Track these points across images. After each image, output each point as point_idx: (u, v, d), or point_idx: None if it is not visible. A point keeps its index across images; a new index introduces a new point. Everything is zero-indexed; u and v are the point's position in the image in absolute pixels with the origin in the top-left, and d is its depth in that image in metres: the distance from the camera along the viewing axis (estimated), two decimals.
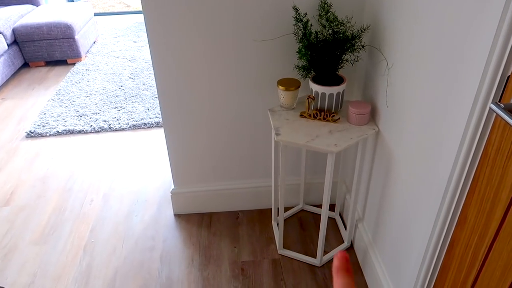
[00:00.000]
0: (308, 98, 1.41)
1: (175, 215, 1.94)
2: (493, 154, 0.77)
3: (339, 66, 1.38)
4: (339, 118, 1.42)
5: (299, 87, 1.44)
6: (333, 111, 1.44)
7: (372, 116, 1.42)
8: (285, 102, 1.48)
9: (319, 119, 1.43)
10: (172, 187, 1.87)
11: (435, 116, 0.97)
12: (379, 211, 1.43)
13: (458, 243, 0.91)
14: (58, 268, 1.68)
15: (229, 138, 1.73)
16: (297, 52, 1.35)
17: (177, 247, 1.76)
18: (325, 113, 1.42)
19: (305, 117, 1.45)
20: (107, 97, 2.95)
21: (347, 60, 1.35)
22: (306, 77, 1.41)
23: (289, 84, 1.44)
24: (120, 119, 2.66)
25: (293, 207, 1.94)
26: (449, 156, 0.91)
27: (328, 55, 1.33)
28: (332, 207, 1.93)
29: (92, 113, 2.74)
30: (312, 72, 1.41)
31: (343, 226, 1.81)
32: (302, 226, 1.85)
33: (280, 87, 1.44)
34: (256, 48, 1.48)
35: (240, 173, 1.84)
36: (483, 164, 0.80)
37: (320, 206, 1.94)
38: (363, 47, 1.35)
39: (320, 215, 1.90)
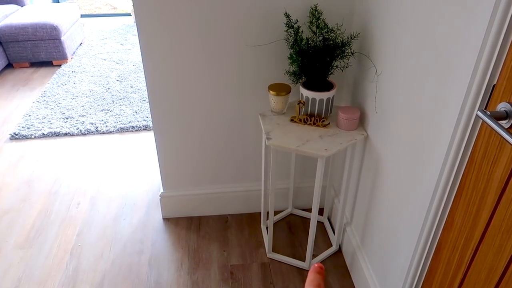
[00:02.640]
0: (298, 103, 1.43)
1: (163, 218, 1.93)
2: (479, 159, 0.80)
3: (329, 72, 1.40)
4: (329, 123, 1.44)
5: (289, 92, 1.46)
6: (323, 116, 1.46)
7: (361, 121, 1.45)
8: (275, 107, 1.50)
9: (309, 124, 1.45)
10: (161, 190, 1.87)
11: (423, 122, 1.00)
12: (367, 215, 1.46)
13: (445, 245, 0.94)
14: (44, 272, 1.66)
15: (220, 142, 1.74)
16: (288, 58, 1.37)
17: (166, 251, 1.76)
18: (315, 118, 1.44)
19: (295, 121, 1.47)
20: (94, 99, 2.92)
21: (337, 67, 1.38)
22: (297, 83, 1.43)
23: (280, 89, 1.46)
24: (108, 122, 2.64)
25: (282, 211, 1.96)
26: (437, 161, 0.94)
27: (319, 61, 1.35)
28: (320, 211, 1.95)
29: (79, 116, 2.71)
30: (303, 77, 1.44)
31: (331, 230, 1.84)
32: (291, 230, 1.87)
33: (271, 92, 1.45)
34: (248, 53, 1.50)
35: (230, 177, 1.85)
36: (469, 169, 0.83)
37: (309, 210, 1.96)
38: (352, 54, 1.38)
39: (309, 219, 1.92)
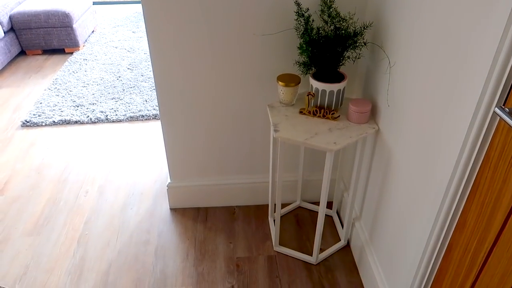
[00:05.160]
0: (308, 95, 1.39)
1: (171, 209, 1.92)
2: (495, 158, 0.75)
3: (340, 63, 1.36)
4: (339, 116, 1.40)
5: (299, 83, 1.42)
6: (333, 108, 1.42)
7: (373, 114, 1.41)
8: (284, 98, 1.46)
9: (319, 116, 1.41)
10: (169, 180, 1.85)
11: (437, 117, 0.95)
12: (377, 210, 1.42)
13: (457, 246, 0.90)
14: (51, 260, 1.67)
15: (228, 133, 1.71)
16: (298, 47, 1.33)
17: (172, 241, 1.75)
18: (325, 110, 1.40)
19: (304, 114, 1.43)
20: (105, 87, 2.92)
21: (348, 57, 1.33)
22: (306, 74, 1.39)
23: (289, 80, 1.42)
24: (118, 110, 2.63)
25: (290, 203, 1.93)
26: (450, 158, 0.89)
27: (329, 51, 1.31)
28: (329, 205, 1.92)
29: (89, 104, 2.71)
30: (313, 68, 1.39)
31: (340, 224, 1.80)
32: (299, 223, 1.84)
33: (280, 83, 1.41)
34: (256, 42, 1.46)
35: (237, 168, 1.83)
36: (484, 168, 0.79)
37: (317, 203, 1.93)
38: (365, 44, 1.33)
39: (317, 212, 1.89)
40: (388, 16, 1.23)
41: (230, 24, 1.41)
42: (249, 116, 1.67)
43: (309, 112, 1.42)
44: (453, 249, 0.92)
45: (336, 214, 1.86)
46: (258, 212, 1.90)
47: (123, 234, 1.79)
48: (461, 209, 0.88)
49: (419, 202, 1.07)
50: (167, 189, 1.86)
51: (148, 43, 1.45)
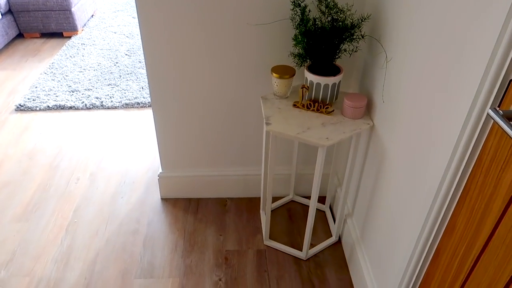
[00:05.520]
0: (302, 88, 1.35)
1: (162, 198, 1.90)
2: (487, 162, 0.72)
3: (337, 56, 1.31)
4: (333, 110, 1.36)
5: (293, 75, 1.38)
6: (327, 102, 1.38)
7: (368, 110, 1.37)
8: (278, 90, 1.42)
9: (313, 110, 1.37)
10: (160, 170, 1.83)
11: (431, 117, 0.91)
12: (369, 208, 1.39)
13: (445, 251, 0.87)
14: (39, 247, 1.65)
15: (221, 124, 1.68)
16: (292, 38, 1.28)
17: (162, 232, 1.73)
18: (319, 104, 1.36)
19: (298, 107, 1.39)
20: (101, 73, 2.88)
21: (345, 50, 1.29)
22: (301, 66, 1.35)
23: (283, 71, 1.38)
24: (113, 97, 2.59)
25: (283, 197, 1.90)
26: (442, 159, 0.86)
27: (326, 43, 1.26)
28: (322, 200, 1.89)
29: (85, 89, 2.67)
30: (308, 60, 1.35)
31: (332, 220, 1.78)
32: (291, 217, 1.82)
33: (274, 74, 1.38)
34: (250, 32, 1.41)
35: (230, 160, 1.80)
36: (476, 172, 0.75)
37: (310, 198, 1.90)
38: (362, 37, 1.29)
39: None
40: (387, 9, 1.19)
41: (223, 13, 1.36)
42: (243, 107, 1.63)
43: (303, 106, 1.38)
44: (441, 253, 0.89)
45: (329, 209, 1.83)
46: (250, 205, 1.88)
47: (112, 223, 1.76)
48: (450, 213, 0.85)
49: (409, 202, 1.04)
50: (158, 179, 1.83)
51: (140, 31, 1.41)
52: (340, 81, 1.35)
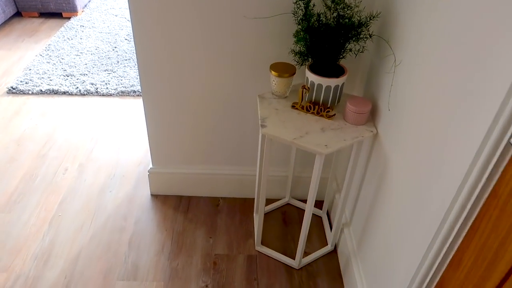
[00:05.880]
0: (302, 88, 1.24)
1: (152, 195, 1.81)
2: (504, 196, 0.62)
3: (341, 56, 1.21)
4: (334, 114, 1.26)
5: (293, 74, 1.28)
6: (329, 105, 1.28)
7: (373, 115, 1.26)
8: (277, 90, 1.32)
9: (312, 113, 1.27)
10: (150, 166, 1.74)
11: (441, 134, 0.81)
12: (368, 220, 1.30)
13: (448, 285, 0.78)
14: (19, 241, 1.57)
15: (216, 120, 1.58)
16: (294, 35, 1.18)
17: (149, 231, 1.65)
18: (319, 106, 1.26)
19: (297, 108, 1.29)
20: (99, 58, 2.77)
21: (350, 50, 1.18)
22: (302, 64, 1.24)
23: (283, 69, 1.28)
24: (109, 84, 2.50)
25: (278, 199, 1.81)
26: (452, 182, 0.76)
27: (330, 42, 1.16)
28: (319, 204, 1.80)
29: (80, 74, 2.57)
30: (310, 59, 1.25)
31: (329, 226, 1.69)
32: (285, 221, 1.73)
33: (273, 72, 1.27)
34: (249, 25, 1.31)
35: (224, 158, 1.70)
36: (490, 204, 0.66)
37: (307, 201, 1.81)
38: (370, 36, 1.18)
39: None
40: (399, 7, 1.08)
41: (218, 3, 1.25)
42: (239, 103, 1.53)
43: (302, 108, 1.28)
44: (444, 287, 0.80)
45: (326, 215, 1.74)
46: (244, 206, 1.79)
47: (98, 219, 1.68)
48: (457, 244, 0.75)
49: (412, 224, 0.94)
50: (148, 174, 1.75)
51: (131, 19, 1.30)
52: (343, 83, 1.24)
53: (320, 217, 1.75)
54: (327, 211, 1.76)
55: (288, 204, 1.82)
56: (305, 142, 1.16)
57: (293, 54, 1.22)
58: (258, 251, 1.59)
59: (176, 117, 1.57)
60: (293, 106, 1.29)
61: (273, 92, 1.34)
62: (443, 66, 0.82)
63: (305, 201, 1.81)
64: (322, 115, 1.26)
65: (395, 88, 1.07)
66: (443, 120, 0.81)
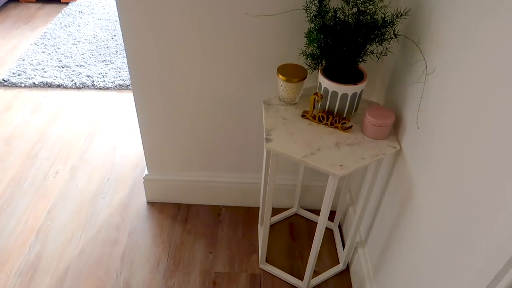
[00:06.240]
0: (314, 95, 1.07)
1: (148, 202, 1.67)
2: None
3: (360, 59, 1.03)
4: (351, 127, 1.09)
5: (305, 78, 1.11)
6: (344, 115, 1.11)
7: (395, 127, 1.09)
8: (285, 96, 1.15)
9: (326, 124, 1.10)
10: (146, 172, 1.59)
11: (487, 163, 0.65)
12: (387, 246, 1.14)
13: None
14: (3, 254, 1.45)
15: (216, 124, 1.42)
16: (305, 35, 1.00)
17: (144, 244, 1.51)
18: (334, 117, 1.09)
19: (308, 118, 1.12)
20: (97, 47, 2.61)
21: (371, 52, 1.01)
22: (315, 69, 1.07)
23: (292, 73, 1.11)
24: (106, 76, 2.34)
25: (286, 209, 1.66)
26: (504, 234, 0.60)
27: (347, 43, 0.98)
28: (331, 216, 1.64)
29: (76, 65, 2.42)
30: (324, 62, 1.07)
31: (340, 241, 1.54)
32: (293, 234, 1.58)
33: (280, 76, 1.10)
34: (250, 24, 1.13)
35: (226, 164, 1.55)
36: None
37: (317, 211, 1.66)
38: (395, 36, 1.00)
39: (315, 223, 1.62)
40: (432, 3, 0.89)
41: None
42: (243, 107, 1.37)
43: (314, 117, 1.11)
44: None
45: (337, 228, 1.59)
46: (248, 216, 1.64)
47: (89, 229, 1.55)
48: None
49: (444, 272, 0.78)
50: (144, 181, 1.60)
51: (119, 17, 1.13)
52: (362, 90, 1.07)
53: (331, 230, 1.60)
54: (339, 223, 1.60)
55: (296, 215, 1.66)
56: (316, 160, 1.00)
57: (305, 57, 1.05)
58: (262, 269, 1.45)
59: (172, 120, 1.41)
60: (303, 116, 1.13)
61: (280, 98, 1.18)
62: (491, 81, 0.65)
63: (315, 211, 1.65)
64: (336, 127, 1.09)
65: (426, 101, 0.90)
66: (489, 147, 0.64)
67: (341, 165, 0.99)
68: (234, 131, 1.44)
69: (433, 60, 0.88)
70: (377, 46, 1.03)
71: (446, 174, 0.80)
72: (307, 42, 0.99)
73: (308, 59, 1.05)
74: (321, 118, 1.10)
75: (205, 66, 1.25)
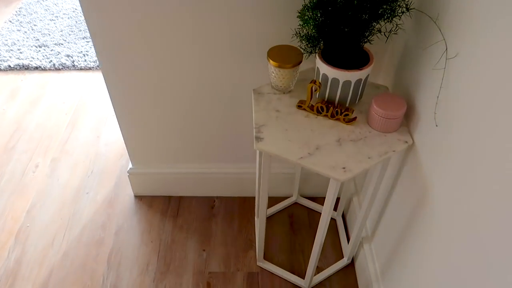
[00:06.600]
0: (312, 83, 0.92)
1: (135, 196, 1.55)
2: None
3: (365, 40, 0.86)
4: (355, 118, 0.94)
5: (299, 63, 0.95)
6: (347, 104, 0.95)
7: (406, 117, 0.94)
8: (277, 83, 0.99)
9: (325, 115, 0.95)
10: (130, 166, 1.46)
11: None
12: (397, 248, 1.02)
13: None
14: None
15: (205, 113, 1.27)
16: (298, 15, 0.83)
17: (132, 244, 1.40)
18: (335, 107, 0.93)
19: (304, 109, 0.97)
20: (77, 22, 2.41)
21: (379, 31, 0.84)
22: (311, 53, 0.90)
23: (285, 57, 0.94)
24: (87, 55, 2.16)
25: (285, 198, 1.53)
26: None
27: (349, 22, 0.81)
28: (335, 203, 1.51)
29: (55, 44, 2.23)
30: (321, 43, 0.90)
31: (344, 232, 1.42)
32: (293, 226, 1.46)
33: (271, 61, 0.94)
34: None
35: (219, 155, 1.41)
36: None
37: (318, 200, 1.53)
38: (407, 10, 0.83)
39: (317, 212, 1.50)
40: None
41: None
42: (232, 93, 1.21)
43: (312, 108, 0.96)
44: None
45: (341, 218, 1.47)
46: (244, 207, 1.52)
47: (72, 229, 1.44)
48: None
49: (463, 280, 0.66)
50: (128, 176, 1.47)
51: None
52: (368, 76, 0.91)
53: (335, 220, 1.48)
54: (343, 213, 1.48)
55: (296, 204, 1.54)
56: (315, 162, 0.85)
57: (299, 39, 0.88)
58: (260, 267, 1.34)
59: (153, 109, 1.25)
60: (299, 106, 0.97)
61: (272, 86, 1.02)
62: None
63: (316, 199, 1.53)
64: (338, 119, 0.94)
65: (447, 93, 0.74)
66: None
67: (344, 168, 0.85)
68: (225, 120, 1.29)
69: (456, 41, 0.71)
70: (385, 23, 0.86)
71: (470, 178, 0.66)
72: (301, 24, 0.82)
73: (303, 41, 0.88)
74: (320, 109, 0.95)
75: (186, 46, 1.08)
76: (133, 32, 1.05)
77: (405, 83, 0.95)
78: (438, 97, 0.76)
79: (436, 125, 0.77)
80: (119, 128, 1.81)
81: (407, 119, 0.94)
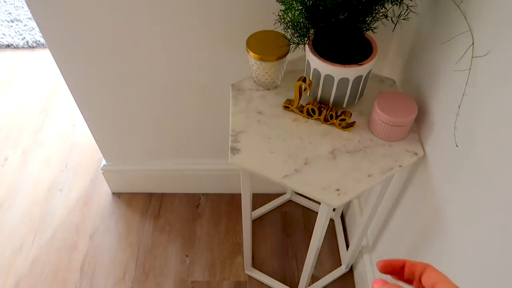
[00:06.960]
0: (300, 81, 0.74)
1: (113, 193, 1.41)
2: None
3: (366, 26, 0.68)
4: (353, 123, 0.77)
5: (286, 55, 0.76)
6: (344, 105, 0.78)
7: (416, 120, 0.77)
8: (260, 78, 0.82)
9: (318, 119, 0.78)
10: (104, 162, 1.30)
11: None
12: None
13: None
14: None
15: (182, 107, 1.10)
16: None
17: (108, 249, 1.27)
18: (329, 110, 0.76)
19: (292, 111, 0.80)
20: None
21: (385, 16, 0.65)
22: (299, 44, 0.72)
23: (268, 46, 0.76)
24: None
25: (278, 195, 1.38)
26: None
27: (347, 7, 0.62)
28: None
29: (28, 18, 2.03)
30: (312, 32, 0.72)
31: (343, 236, 1.28)
32: (286, 227, 1.32)
33: (251, 53, 0.76)
34: None
35: (202, 151, 1.25)
36: None
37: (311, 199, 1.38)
38: None
39: (312, 210, 1.36)
40: None
41: None
42: (213, 83, 1.04)
43: (301, 111, 0.78)
44: None
45: (340, 219, 1.32)
46: (232, 205, 1.38)
47: (42, 233, 1.31)
48: None
49: None
50: (103, 173, 1.32)
51: None
52: (370, 71, 0.73)
53: (333, 221, 1.33)
54: (342, 213, 1.33)
55: (290, 202, 1.39)
56: (303, 182, 0.69)
57: (284, 27, 0.69)
58: (249, 276, 1.21)
59: (120, 100, 1.09)
60: (286, 107, 0.80)
61: (255, 80, 0.84)
62: None
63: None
64: (333, 124, 0.77)
65: (471, 100, 0.57)
66: None
67: (337, 189, 0.68)
68: (205, 114, 1.12)
69: (487, 34, 0.53)
70: (392, 6, 0.67)
71: (495, 208, 0.50)
72: (284, 11, 0.64)
73: (289, 30, 0.69)
74: (311, 111, 0.77)
75: (170, 39, 0.90)
76: (87, 9, 0.86)
77: (416, 80, 0.77)
78: (459, 106, 0.59)
79: (457, 145, 0.60)
80: None
81: (417, 122, 0.76)
